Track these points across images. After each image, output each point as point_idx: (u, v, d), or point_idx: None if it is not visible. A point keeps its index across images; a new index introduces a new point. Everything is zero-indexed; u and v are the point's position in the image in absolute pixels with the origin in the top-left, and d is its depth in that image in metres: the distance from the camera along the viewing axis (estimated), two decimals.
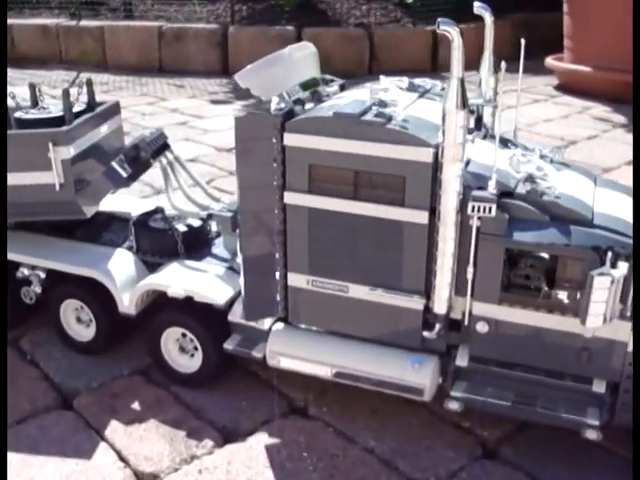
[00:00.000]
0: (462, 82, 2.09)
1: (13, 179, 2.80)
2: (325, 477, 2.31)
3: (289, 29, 7.96)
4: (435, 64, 8.30)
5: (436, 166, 2.16)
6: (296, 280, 2.47)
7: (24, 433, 2.55)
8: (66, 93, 2.86)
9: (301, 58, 2.56)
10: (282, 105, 2.38)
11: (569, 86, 7.04)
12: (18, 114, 2.97)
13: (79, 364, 2.92)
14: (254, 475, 2.33)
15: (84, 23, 8.73)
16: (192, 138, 5.90)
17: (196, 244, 2.89)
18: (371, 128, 2.22)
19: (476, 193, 2.16)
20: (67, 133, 2.76)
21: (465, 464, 2.37)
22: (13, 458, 2.43)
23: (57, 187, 2.77)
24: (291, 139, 2.30)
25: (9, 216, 2.95)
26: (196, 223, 2.92)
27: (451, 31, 2.06)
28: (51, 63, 8.49)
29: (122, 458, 2.43)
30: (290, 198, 2.37)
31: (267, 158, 2.34)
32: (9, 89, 3.14)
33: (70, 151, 2.75)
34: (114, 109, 3.16)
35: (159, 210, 3.02)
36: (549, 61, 7.31)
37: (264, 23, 8.21)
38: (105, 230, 3.15)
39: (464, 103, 2.09)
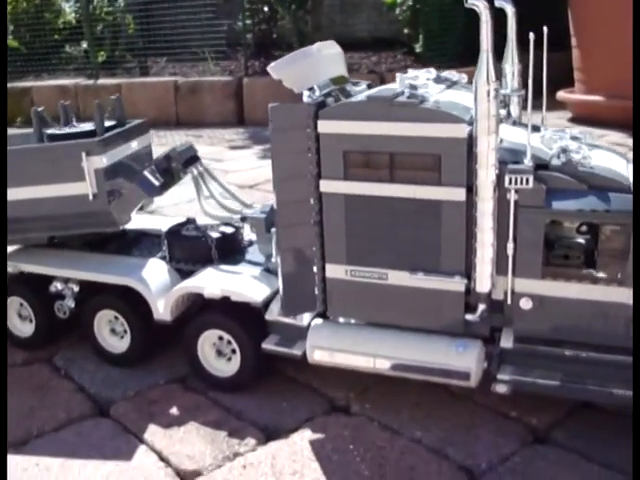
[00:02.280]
0: (492, 55, 2.11)
1: (46, 191, 2.83)
2: (374, 467, 2.25)
3: None
4: None
5: (471, 142, 2.17)
6: (334, 271, 2.45)
7: (62, 440, 2.52)
8: (100, 107, 2.90)
9: (329, 55, 2.59)
10: (314, 97, 2.41)
11: (582, 117, 7.08)
12: (50, 130, 3.02)
13: (114, 376, 2.89)
14: (300, 468, 2.27)
15: (101, 82, 8.93)
16: None
17: (230, 251, 2.89)
18: (404, 109, 2.24)
19: (512, 166, 2.16)
20: (100, 143, 2.79)
21: (517, 449, 2.31)
22: (52, 463, 2.39)
23: (90, 197, 2.78)
24: (325, 126, 2.32)
25: (43, 231, 2.97)
26: (229, 230, 2.93)
27: (479, 4, 2.09)
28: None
29: (163, 458, 2.38)
30: (326, 186, 2.37)
31: (302, 147, 2.35)
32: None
33: (103, 160, 2.78)
34: (143, 127, 3.20)
35: (191, 221, 3.02)
36: (561, 94, 7.37)
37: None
38: (136, 245, 3.15)
39: (495, 75, 2.10)
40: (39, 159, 2.85)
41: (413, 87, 2.35)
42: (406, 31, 9.17)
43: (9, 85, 9.28)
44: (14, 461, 2.41)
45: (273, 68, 2.42)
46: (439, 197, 2.26)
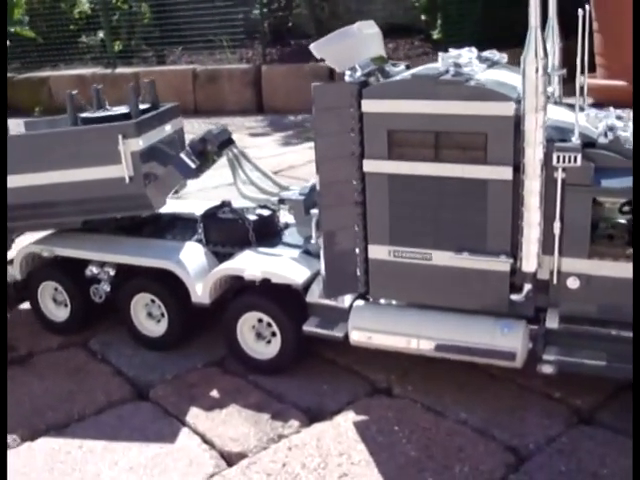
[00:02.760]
0: (540, 32, 2.09)
1: (82, 175, 2.82)
2: (420, 448, 2.24)
3: (322, 65, 7.94)
4: None
5: (518, 120, 2.14)
6: (377, 252, 2.43)
7: (103, 423, 2.52)
8: (133, 89, 2.89)
9: (369, 35, 2.57)
10: (355, 76, 2.39)
11: (604, 102, 7.02)
12: (84, 114, 3.01)
13: (151, 360, 2.88)
14: (346, 449, 2.26)
15: (119, 71, 8.91)
16: None
17: (267, 233, 2.87)
18: (451, 87, 2.22)
19: (560, 144, 2.14)
20: (136, 125, 2.78)
21: (563, 430, 2.29)
22: (95, 445, 2.38)
23: (127, 180, 2.77)
24: (369, 105, 2.30)
25: (78, 215, 2.96)
26: (266, 212, 2.91)
27: None
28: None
29: (206, 440, 2.37)
30: (369, 166, 2.34)
31: (345, 127, 2.33)
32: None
33: (139, 143, 2.77)
34: (176, 110, 3.19)
35: (226, 204, 3.01)
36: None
37: (293, 62, 8.35)
38: (170, 229, 3.14)
39: (544, 52, 2.08)
40: (75, 142, 2.84)
41: (457, 65, 2.32)
42: (423, 17, 9.11)
43: (26, 75, 9.31)
44: (57, 444, 2.41)
45: (316, 47, 2.41)
46: (485, 176, 2.23)
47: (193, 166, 2.82)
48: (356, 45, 2.48)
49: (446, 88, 2.22)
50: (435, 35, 8.98)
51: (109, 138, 2.75)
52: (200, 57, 9.18)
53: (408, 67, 2.72)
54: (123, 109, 3.02)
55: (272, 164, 5.72)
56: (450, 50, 2.61)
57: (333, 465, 2.19)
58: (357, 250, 2.45)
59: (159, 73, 8.50)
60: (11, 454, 2.38)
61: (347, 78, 2.40)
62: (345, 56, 2.43)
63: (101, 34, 9.51)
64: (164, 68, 8.89)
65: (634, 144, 2.19)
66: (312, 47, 2.41)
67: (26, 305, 3.29)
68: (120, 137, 2.73)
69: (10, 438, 2.45)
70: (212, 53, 9.26)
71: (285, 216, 2.98)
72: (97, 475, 2.24)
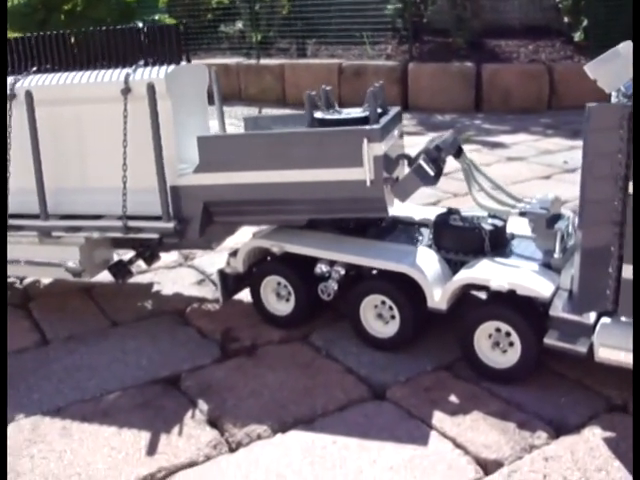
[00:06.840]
0: None
1: (320, 175, 2.94)
2: None
3: (468, 65, 8.10)
4: None
5: None
6: (631, 272, 2.46)
7: (349, 420, 2.61)
8: (373, 94, 2.97)
9: (629, 55, 2.59)
10: (621, 97, 2.43)
11: None
12: (319, 114, 3.10)
13: (379, 359, 2.98)
14: (603, 464, 2.31)
15: (264, 62, 9.10)
16: None
17: (498, 243, 2.93)
18: None
19: None
20: (381, 130, 2.86)
21: None
22: (349, 442, 2.48)
23: (368, 183, 2.86)
24: None
25: (307, 214, 3.08)
26: (499, 223, 2.97)
27: None
28: (231, 100, 8.78)
29: (458, 445, 2.44)
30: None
31: (613, 148, 2.37)
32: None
33: (382, 148, 2.85)
34: (400, 115, 3.27)
35: (454, 211, 3.08)
36: None
37: (434, 60, 8.39)
38: (391, 232, 3.22)
39: None
40: (317, 143, 2.94)
41: None
42: (566, 19, 9.00)
43: None
44: (309, 438, 2.52)
45: (590, 67, 2.44)
46: None
47: (432, 174, 2.90)
48: (622, 66, 2.50)
49: None
50: (576, 37, 8.86)
51: (353, 141, 2.84)
52: (338, 51, 9.29)
53: None
54: (357, 112, 3.09)
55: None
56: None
57: None
58: (610, 269, 2.49)
59: (305, 66, 8.67)
60: (265, 444, 2.51)
61: (613, 99, 2.45)
62: (614, 77, 2.46)
63: (240, 24, 9.71)
64: (309, 61, 9.05)
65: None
66: (587, 68, 2.45)
67: (240, 296, 3.45)
68: (365, 141, 2.82)
69: (261, 428, 2.58)
70: (348, 48, 9.36)
71: (512, 226, 3.04)
72: (359, 472, 2.35)
